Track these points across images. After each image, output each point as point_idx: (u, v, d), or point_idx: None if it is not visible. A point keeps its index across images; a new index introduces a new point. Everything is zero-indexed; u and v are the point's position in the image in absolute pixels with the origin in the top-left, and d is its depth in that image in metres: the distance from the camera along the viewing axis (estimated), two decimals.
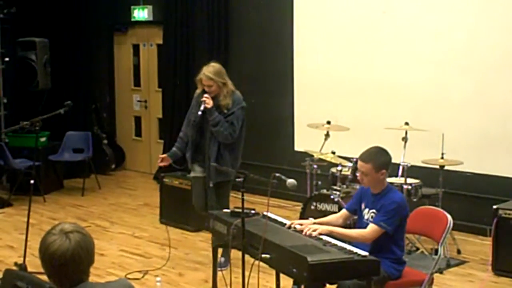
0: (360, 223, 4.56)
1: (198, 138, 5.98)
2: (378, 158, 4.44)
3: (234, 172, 5.80)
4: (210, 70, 5.82)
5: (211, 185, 5.94)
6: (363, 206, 4.56)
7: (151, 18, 10.34)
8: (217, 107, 5.84)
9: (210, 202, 5.99)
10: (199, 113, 5.80)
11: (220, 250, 4.89)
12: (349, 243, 4.22)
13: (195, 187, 6.18)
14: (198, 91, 6.01)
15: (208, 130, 5.88)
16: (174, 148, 6.13)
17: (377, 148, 4.53)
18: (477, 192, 7.16)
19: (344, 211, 4.75)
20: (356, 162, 6.66)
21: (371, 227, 4.34)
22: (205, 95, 5.79)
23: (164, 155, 6.11)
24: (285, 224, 4.53)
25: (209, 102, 5.76)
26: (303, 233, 4.27)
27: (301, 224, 4.45)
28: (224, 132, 5.79)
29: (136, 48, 10.92)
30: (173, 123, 9.52)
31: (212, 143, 5.87)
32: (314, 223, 4.50)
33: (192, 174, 6.17)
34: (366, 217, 4.49)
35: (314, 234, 4.21)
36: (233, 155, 5.96)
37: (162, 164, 6.07)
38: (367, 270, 3.89)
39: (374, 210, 4.43)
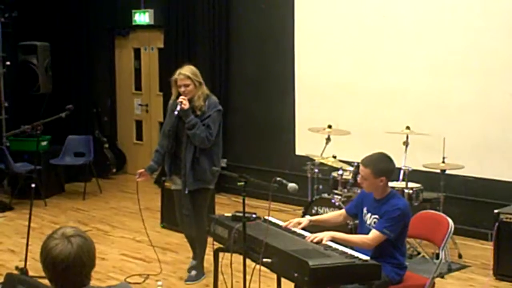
0: (362, 228, 4.55)
1: (175, 148, 5.82)
2: (379, 164, 4.42)
3: (216, 175, 5.77)
4: (186, 69, 5.70)
5: (186, 192, 5.77)
6: (365, 211, 4.54)
7: (152, 22, 10.35)
8: (191, 108, 5.67)
9: (184, 211, 5.86)
10: (175, 113, 5.61)
11: (221, 255, 4.88)
12: (351, 247, 4.22)
13: (177, 200, 6.01)
14: (172, 97, 5.85)
15: (184, 137, 5.72)
16: (151, 162, 5.95)
17: (380, 154, 4.51)
18: (478, 196, 7.15)
19: (343, 211, 4.76)
20: (357, 166, 6.67)
21: (374, 233, 4.31)
22: (181, 96, 5.64)
23: (142, 170, 5.95)
24: (287, 228, 4.53)
25: (185, 103, 5.59)
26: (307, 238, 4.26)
27: (299, 223, 4.49)
28: (201, 135, 5.60)
29: (137, 52, 10.93)
30: None
31: (188, 149, 5.69)
32: (310, 221, 4.55)
33: (173, 187, 6.04)
34: (368, 222, 4.48)
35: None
36: (211, 160, 5.74)
37: (140, 179, 5.92)
38: (368, 274, 3.89)
39: (376, 216, 4.41)
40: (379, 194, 4.46)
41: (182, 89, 5.67)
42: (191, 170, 5.70)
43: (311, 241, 4.20)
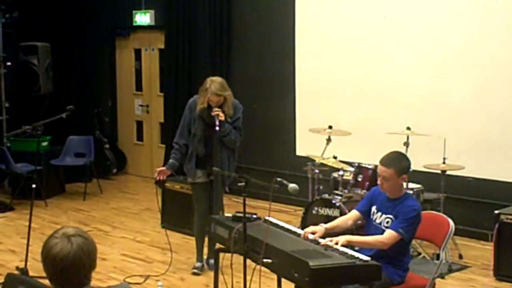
0: (369, 226, 4.53)
1: (204, 150, 6.01)
2: (400, 163, 4.41)
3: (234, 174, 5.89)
4: (217, 87, 5.83)
5: (227, 190, 6.24)
6: (374, 209, 4.51)
7: (153, 23, 10.35)
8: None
9: (211, 205, 6.04)
10: (217, 128, 5.79)
11: (222, 255, 4.88)
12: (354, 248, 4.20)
13: (198, 193, 6.16)
14: (200, 106, 5.94)
15: (215, 140, 5.93)
16: (172, 160, 6.09)
17: (397, 153, 4.52)
18: (479, 197, 7.16)
19: (355, 212, 4.63)
20: (357, 167, 6.68)
21: (389, 233, 4.28)
22: (216, 109, 5.81)
23: (163, 168, 6.08)
24: (287, 229, 4.52)
25: (222, 115, 5.82)
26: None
27: (314, 232, 4.34)
28: (236, 139, 5.99)
29: (138, 52, 10.93)
30: (175, 128, 9.48)
31: (222, 151, 5.96)
32: (326, 229, 4.42)
33: (197, 180, 6.11)
34: (378, 221, 4.46)
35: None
36: (233, 157, 6.12)
37: (160, 177, 6.02)
38: (368, 275, 3.89)
39: (390, 216, 4.38)
40: (395, 194, 4.42)
41: (215, 104, 5.86)
42: (227, 168, 5.93)
43: (325, 244, 4.12)
